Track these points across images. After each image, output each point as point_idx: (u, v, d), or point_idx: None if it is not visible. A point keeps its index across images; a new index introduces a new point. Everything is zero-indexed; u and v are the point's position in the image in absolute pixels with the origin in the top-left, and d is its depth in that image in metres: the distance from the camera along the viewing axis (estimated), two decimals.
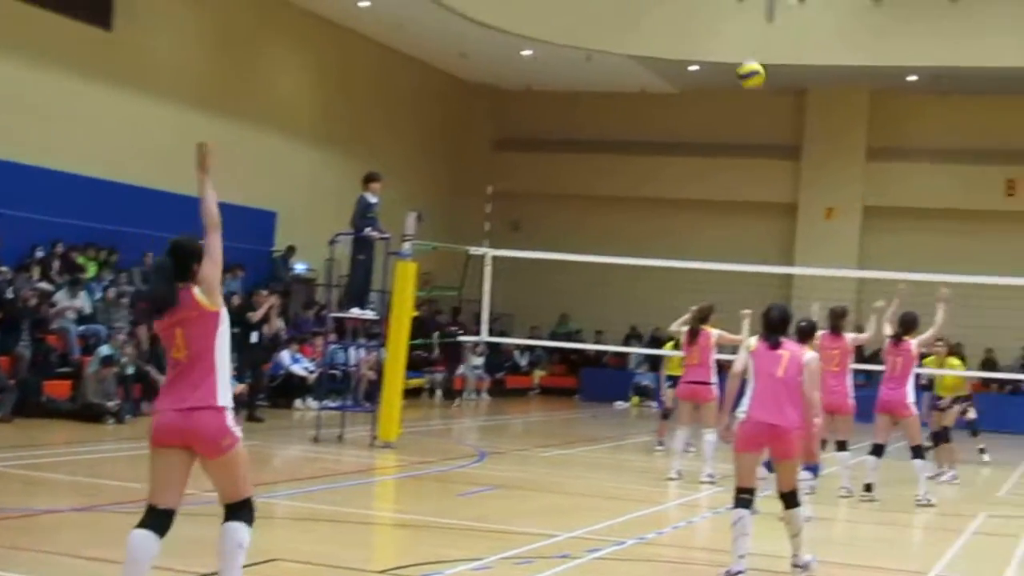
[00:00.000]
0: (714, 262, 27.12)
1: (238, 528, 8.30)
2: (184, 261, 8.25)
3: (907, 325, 17.19)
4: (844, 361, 16.64)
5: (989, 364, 33.95)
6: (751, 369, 11.33)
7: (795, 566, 11.37)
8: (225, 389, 8.21)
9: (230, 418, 8.20)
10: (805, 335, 14.37)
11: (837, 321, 16.64)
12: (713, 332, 18.01)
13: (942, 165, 36.71)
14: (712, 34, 33.71)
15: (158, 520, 8.16)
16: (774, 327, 11.36)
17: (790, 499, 11.24)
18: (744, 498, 11.06)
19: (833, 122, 37.23)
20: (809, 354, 13.39)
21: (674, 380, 20.69)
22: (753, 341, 11.50)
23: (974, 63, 32.86)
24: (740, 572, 10.94)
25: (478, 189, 32.98)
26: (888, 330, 17.36)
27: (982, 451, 23.10)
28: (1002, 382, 33.39)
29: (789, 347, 11.35)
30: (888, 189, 36.96)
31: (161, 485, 8.26)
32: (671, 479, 17.72)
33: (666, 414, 21.84)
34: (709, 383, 17.83)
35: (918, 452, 16.95)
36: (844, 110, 37.17)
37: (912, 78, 35.08)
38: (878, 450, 17.09)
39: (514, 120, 40.25)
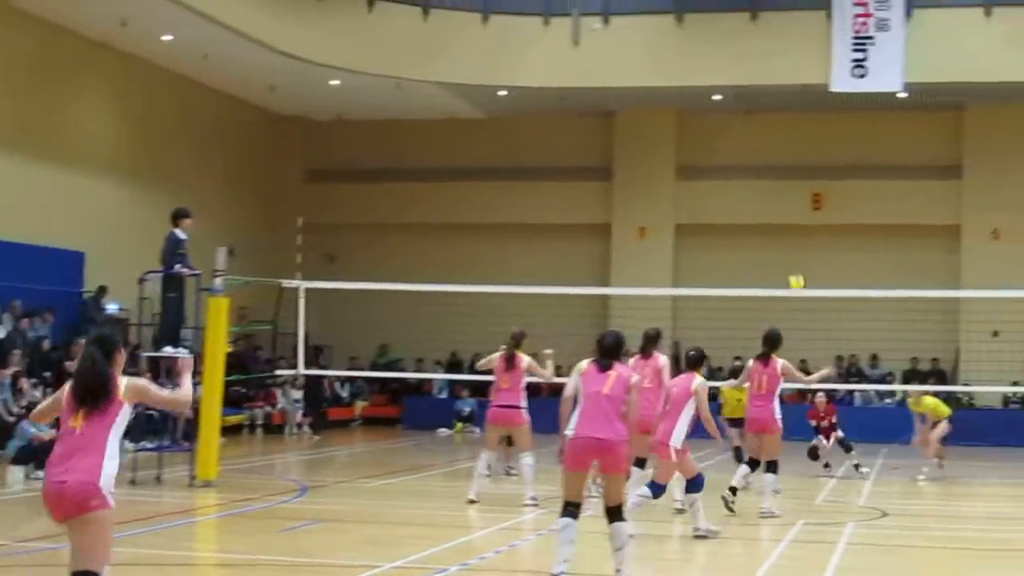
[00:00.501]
0: (531, 285, 27.30)
1: None
2: (109, 351, 8.66)
3: (772, 342, 17.61)
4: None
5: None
6: (580, 390, 11.70)
7: None
8: (109, 475, 8.32)
9: (105, 491, 8.25)
10: (694, 364, 15.01)
11: (649, 343, 16.95)
12: (525, 358, 18.10)
13: (750, 181, 37.35)
14: (519, 59, 33.92)
15: None
16: (606, 352, 11.78)
17: (615, 513, 11.50)
18: (571, 511, 11.41)
19: (642, 142, 37.67)
20: (697, 380, 14.08)
21: None
22: (584, 364, 11.83)
23: (776, 81, 33.52)
24: (561, 573, 11.31)
25: (291, 222, 32.73)
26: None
27: (857, 467, 23.69)
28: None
29: (618, 369, 11.74)
30: (698, 207, 37.50)
31: None
32: (471, 501, 17.79)
33: None
34: (519, 407, 17.89)
35: (772, 467, 17.29)
36: (652, 130, 37.64)
37: (717, 97, 35.68)
38: (752, 464, 17.61)
39: (325, 151, 40.04)
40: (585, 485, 11.86)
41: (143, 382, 8.87)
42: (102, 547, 8.39)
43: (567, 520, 11.40)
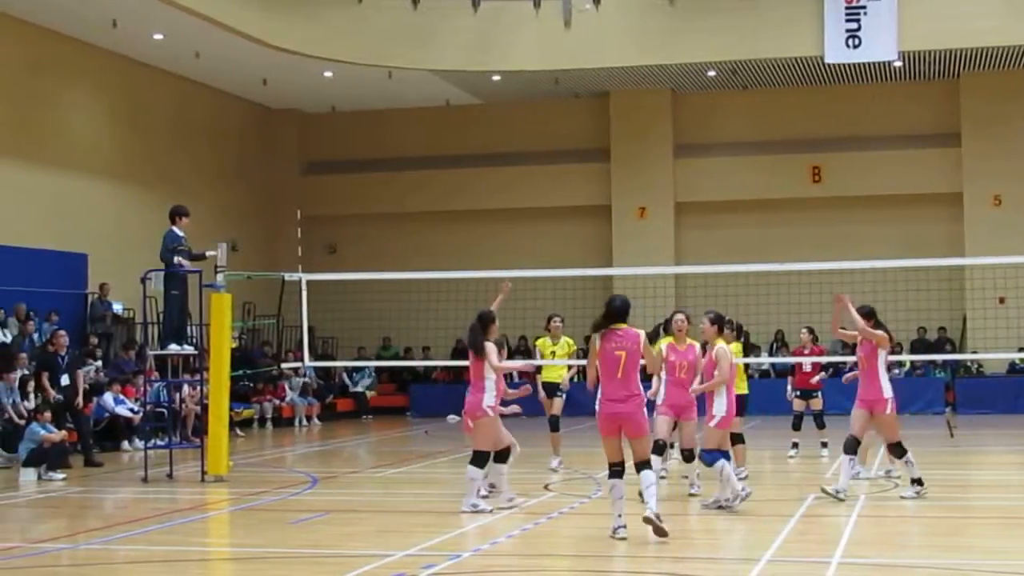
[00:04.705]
0: (533, 269, 27.29)
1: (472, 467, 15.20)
2: (485, 324, 15.38)
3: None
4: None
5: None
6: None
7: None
8: (492, 397, 15.26)
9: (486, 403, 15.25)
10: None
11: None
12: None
13: (748, 157, 37.38)
14: (511, 43, 33.89)
15: None
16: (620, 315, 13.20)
17: (643, 465, 13.07)
18: (616, 471, 13.10)
19: (639, 122, 37.66)
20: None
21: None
22: (598, 341, 13.17)
23: (770, 55, 33.48)
24: (621, 527, 12.94)
25: (291, 215, 32.74)
26: None
27: (823, 444, 22.20)
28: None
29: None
30: (698, 184, 37.51)
31: None
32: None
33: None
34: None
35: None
36: (648, 110, 37.63)
37: (712, 74, 35.64)
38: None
39: (322, 143, 40.02)
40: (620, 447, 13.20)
41: (492, 348, 15.15)
42: (481, 439, 15.20)
43: (615, 480, 13.03)
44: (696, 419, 16.22)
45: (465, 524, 14.62)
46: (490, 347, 15.41)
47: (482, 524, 14.72)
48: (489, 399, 15.27)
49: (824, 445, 21.93)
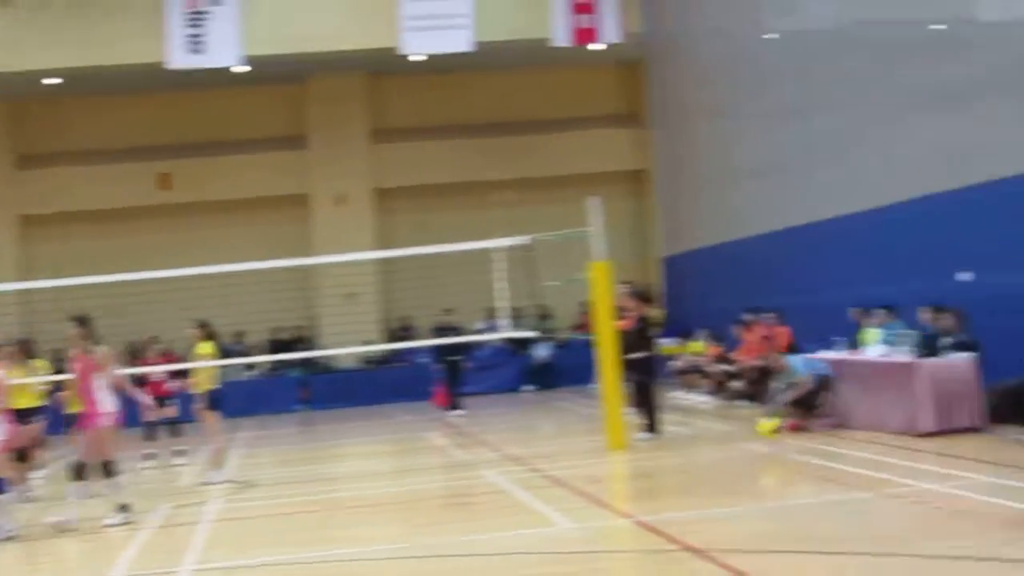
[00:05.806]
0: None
1: None
2: None
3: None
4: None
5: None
6: None
7: None
8: None
9: None
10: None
11: None
12: None
13: (95, 166, 36.60)
14: None
15: None
16: None
17: None
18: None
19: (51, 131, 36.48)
20: None
21: None
22: None
23: (113, 61, 32.81)
24: None
25: None
26: None
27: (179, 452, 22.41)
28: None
29: None
30: (47, 196, 36.40)
31: None
32: None
33: None
34: None
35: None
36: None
37: (53, 81, 34.57)
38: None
39: None
40: None
41: None
42: None
43: None
44: None
45: None
46: None
47: None
48: None
49: (180, 453, 22.08)
